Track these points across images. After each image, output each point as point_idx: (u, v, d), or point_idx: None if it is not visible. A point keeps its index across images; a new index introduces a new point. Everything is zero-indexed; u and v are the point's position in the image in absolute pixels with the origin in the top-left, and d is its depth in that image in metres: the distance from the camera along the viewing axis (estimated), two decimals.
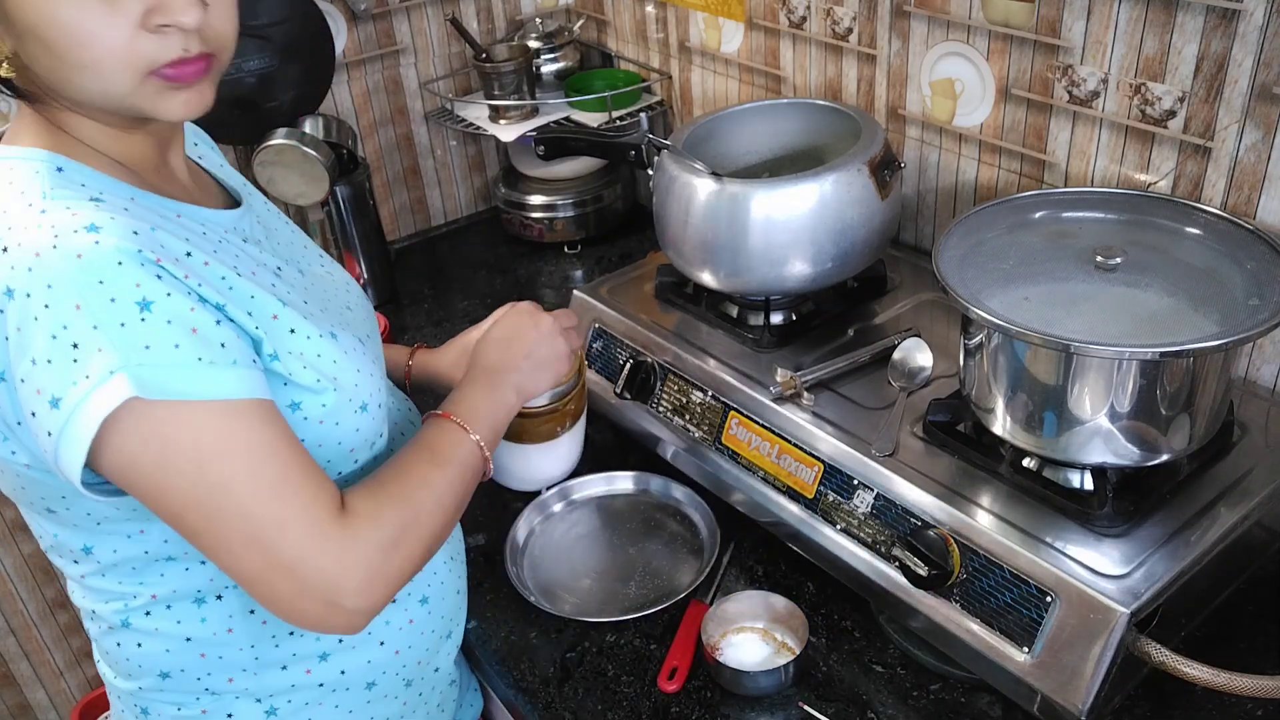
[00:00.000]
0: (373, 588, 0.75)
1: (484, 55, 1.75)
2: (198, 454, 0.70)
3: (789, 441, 1.08)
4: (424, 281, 1.77)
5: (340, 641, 0.90)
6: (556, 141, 1.36)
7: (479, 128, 1.76)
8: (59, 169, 0.74)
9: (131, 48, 0.71)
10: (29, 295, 0.67)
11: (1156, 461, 0.92)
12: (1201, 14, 1.02)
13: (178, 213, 0.79)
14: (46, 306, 0.67)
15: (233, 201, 0.92)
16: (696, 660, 1.03)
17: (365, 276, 1.68)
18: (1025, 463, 0.98)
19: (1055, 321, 0.88)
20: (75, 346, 0.66)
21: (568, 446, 1.14)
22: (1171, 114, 1.08)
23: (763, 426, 1.11)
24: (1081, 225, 1.03)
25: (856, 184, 1.14)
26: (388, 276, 1.72)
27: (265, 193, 1.28)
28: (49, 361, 0.67)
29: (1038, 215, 1.04)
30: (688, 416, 1.18)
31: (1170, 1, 1.04)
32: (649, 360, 1.23)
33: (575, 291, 1.36)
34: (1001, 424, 0.96)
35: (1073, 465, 0.95)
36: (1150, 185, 1.13)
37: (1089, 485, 0.94)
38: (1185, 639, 0.92)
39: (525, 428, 1.08)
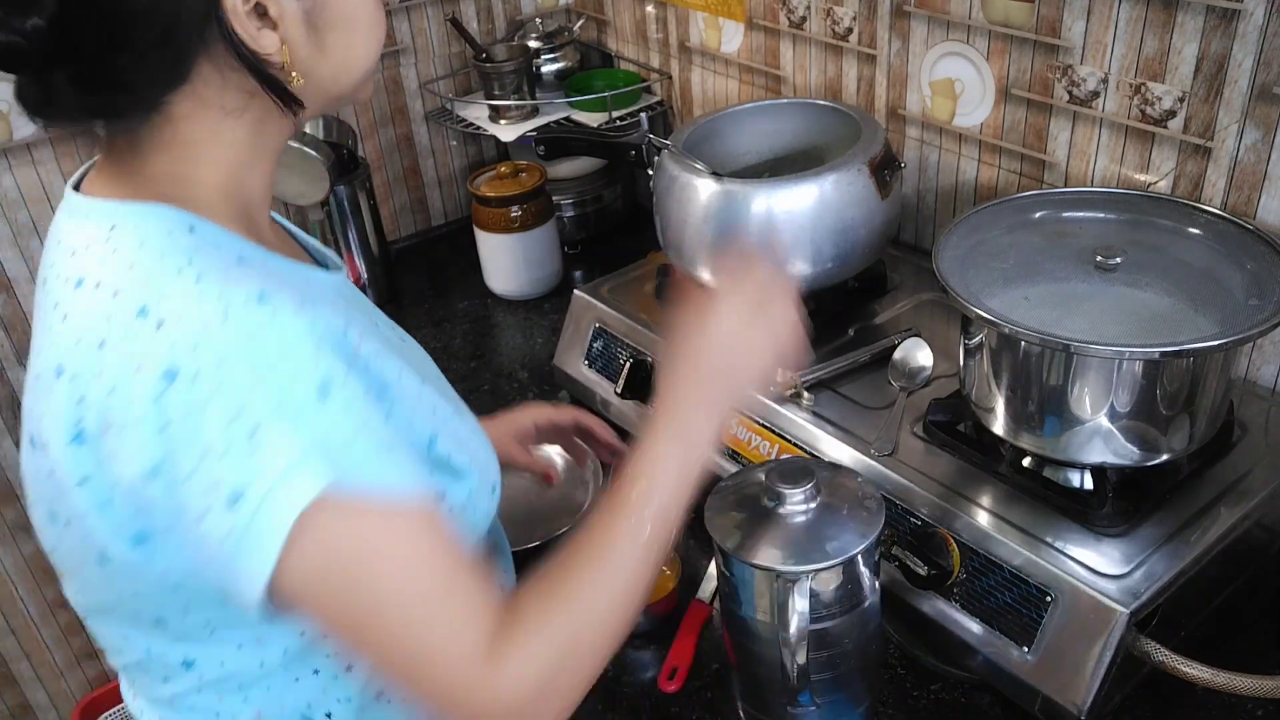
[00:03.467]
0: (547, 704, 0.67)
1: (484, 55, 1.75)
2: (361, 564, 0.62)
3: (789, 441, 1.08)
4: (424, 281, 1.77)
5: None
6: (556, 141, 1.36)
7: (479, 128, 1.76)
8: (190, 228, 0.65)
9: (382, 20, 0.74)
10: (196, 377, 0.58)
11: (1156, 461, 0.92)
12: (1201, 14, 1.02)
13: (305, 278, 0.72)
14: (219, 386, 0.58)
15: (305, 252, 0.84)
16: (697, 660, 1.03)
17: (365, 276, 1.68)
18: (1025, 463, 0.98)
19: (1055, 321, 0.88)
20: (254, 434, 0.58)
21: None
22: (1171, 114, 1.08)
23: (763, 426, 1.11)
24: (1081, 225, 1.03)
25: (856, 184, 1.14)
26: (388, 276, 1.72)
27: None
28: (224, 452, 0.58)
29: (1038, 215, 1.04)
30: None
31: (1170, 1, 1.04)
32: (649, 360, 1.23)
33: (575, 291, 1.36)
34: (1001, 424, 0.96)
35: (1073, 465, 0.95)
36: (1150, 185, 1.13)
37: (1089, 485, 0.94)
38: (1185, 639, 0.91)
39: None
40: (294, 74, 0.67)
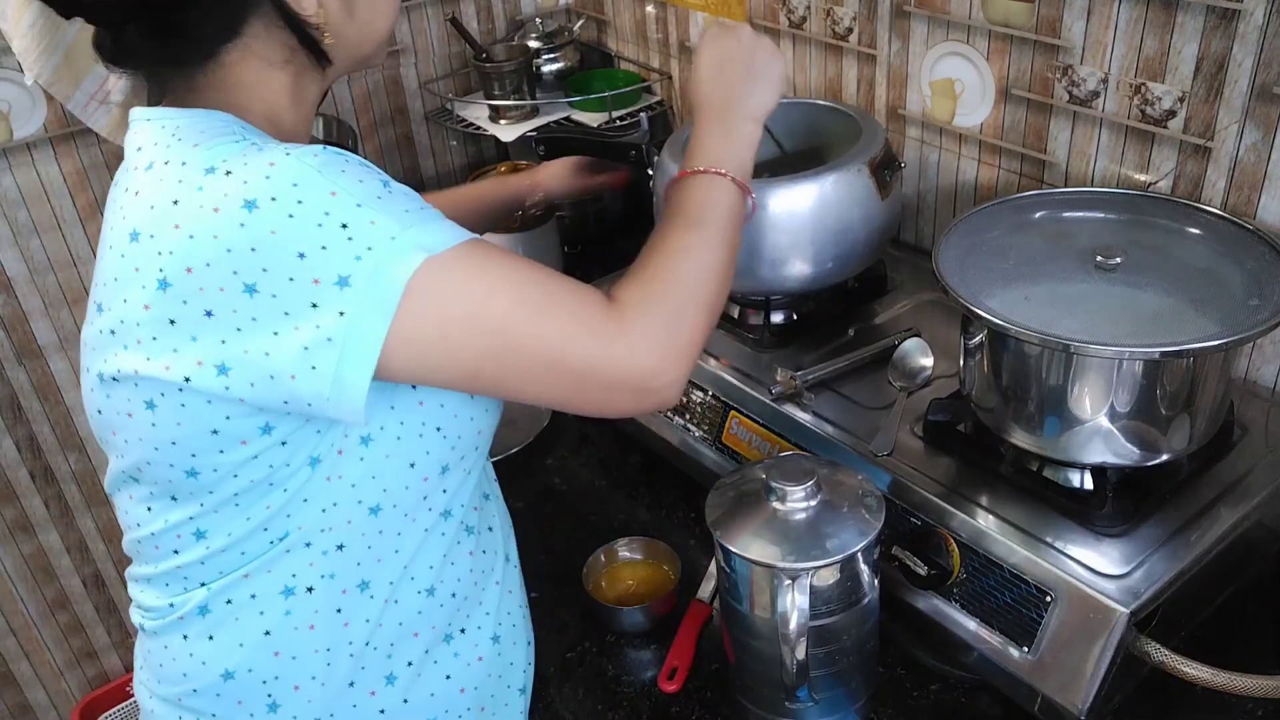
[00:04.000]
0: (670, 363, 0.77)
1: (484, 55, 1.75)
2: (471, 303, 0.71)
3: (789, 441, 1.08)
4: None
5: (410, 665, 0.85)
6: (556, 141, 1.36)
7: (479, 128, 1.76)
8: (243, 125, 0.76)
9: None
10: (274, 199, 0.67)
11: (1156, 461, 0.92)
12: (1201, 14, 1.02)
13: None
14: (299, 202, 0.67)
15: None
16: (697, 660, 1.03)
17: None
18: (1025, 463, 0.98)
19: (1055, 321, 0.88)
20: (344, 227, 0.67)
21: None
22: (1171, 114, 1.08)
23: (763, 426, 1.11)
24: (1081, 225, 1.03)
25: (857, 184, 1.14)
26: None
27: None
28: (323, 248, 0.67)
29: (1038, 215, 1.04)
30: (688, 416, 1.18)
31: (1170, 1, 1.04)
32: None
33: None
34: (1001, 424, 0.96)
35: (1073, 465, 0.95)
36: (1150, 185, 1.13)
37: (1089, 485, 0.94)
38: (1185, 639, 0.92)
39: None
40: (327, 35, 0.78)
